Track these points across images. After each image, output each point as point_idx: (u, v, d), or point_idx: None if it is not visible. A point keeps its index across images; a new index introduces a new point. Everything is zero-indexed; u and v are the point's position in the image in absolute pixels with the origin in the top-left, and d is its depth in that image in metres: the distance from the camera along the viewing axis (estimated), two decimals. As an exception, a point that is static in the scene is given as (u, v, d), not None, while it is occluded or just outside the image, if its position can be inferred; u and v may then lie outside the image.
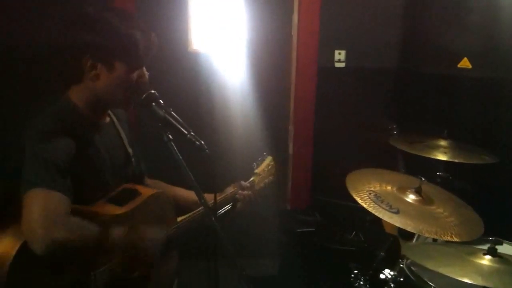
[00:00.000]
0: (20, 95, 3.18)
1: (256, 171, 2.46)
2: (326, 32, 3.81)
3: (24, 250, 1.54)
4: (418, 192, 2.29)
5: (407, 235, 2.76)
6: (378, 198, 2.22)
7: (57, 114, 1.77)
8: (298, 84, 3.92)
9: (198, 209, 2.04)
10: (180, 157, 1.63)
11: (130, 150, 2.03)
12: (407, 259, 2.31)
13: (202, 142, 1.64)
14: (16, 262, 1.54)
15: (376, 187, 2.34)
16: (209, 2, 3.75)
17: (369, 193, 2.26)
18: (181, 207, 2.09)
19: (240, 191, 2.27)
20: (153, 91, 1.74)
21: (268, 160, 2.54)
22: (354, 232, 3.48)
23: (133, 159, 2.04)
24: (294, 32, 3.89)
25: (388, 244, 2.61)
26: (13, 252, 1.54)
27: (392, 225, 2.74)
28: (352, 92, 3.92)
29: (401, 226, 2.07)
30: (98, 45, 1.74)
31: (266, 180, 2.50)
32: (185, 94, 3.62)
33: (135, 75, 1.79)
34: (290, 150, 4.07)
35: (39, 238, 1.51)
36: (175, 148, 1.66)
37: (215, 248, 1.63)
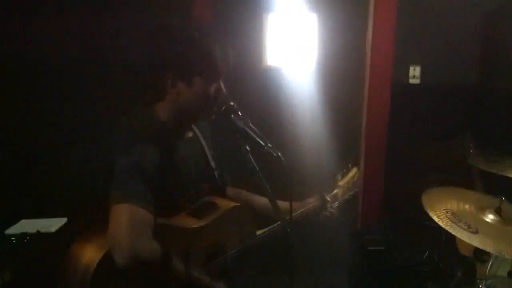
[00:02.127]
0: (108, 109, 3.29)
1: (340, 183, 2.42)
2: (401, 48, 3.75)
3: (107, 261, 1.59)
4: (498, 212, 2.20)
5: (482, 257, 2.66)
6: (456, 217, 2.15)
7: (145, 129, 1.81)
8: (371, 101, 3.88)
9: (278, 222, 2.03)
10: (258, 169, 1.65)
11: (213, 164, 2.06)
12: (487, 279, 2.23)
13: (279, 154, 1.65)
14: (99, 271, 1.60)
15: (453, 206, 2.27)
16: (284, 18, 3.78)
17: (446, 212, 2.19)
18: (263, 216, 2.09)
19: (324, 205, 2.24)
20: (232, 103, 1.77)
21: (353, 172, 2.48)
22: (427, 253, 3.40)
23: (216, 172, 2.07)
24: (368, 48, 3.86)
25: (466, 265, 2.52)
26: (97, 261, 1.60)
27: (467, 247, 2.66)
28: (427, 109, 3.84)
29: (480, 247, 1.99)
30: (178, 61, 1.79)
31: (351, 193, 2.45)
32: (260, 109, 3.65)
33: (213, 88, 1.82)
34: (361, 168, 4.01)
35: (123, 250, 1.57)
36: (253, 160, 1.67)
37: (291, 263, 1.62)
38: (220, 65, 1.81)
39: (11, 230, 2.63)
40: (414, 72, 3.78)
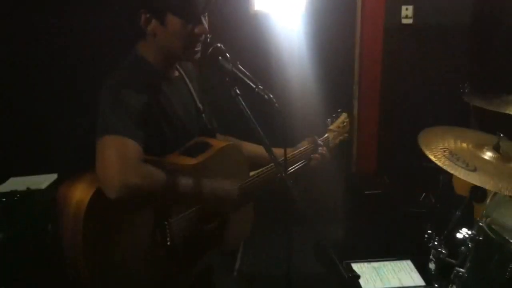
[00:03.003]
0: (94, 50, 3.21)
1: (331, 127, 2.39)
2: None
3: (98, 196, 1.55)
4: (496, 149, 2.16)
5: (479, 197, 2.65)
6: (454, 156, 2.11)
7: (131, 67, 1.78)
8: (363, 42, 3.81)
9: (270, 164, 1.99)
10: (249, 112, 1.59)
11: (200, 104, 2.01)
12: (487, 217, 2.21)
13: (271, 96, 1.58)
14: (91, 208, 1.55)
15: (450, 144, 2.23)
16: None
17: (444, 151, 2.15)
18: (253, 163, 2.06)
19: (316, 148, 2.21)
20: (219, 45, 1.69)
21: (343, 116, 2.46)
22: (424, 194, 3.39)
23: (203, 114, 2.02)
24: (359, -12, 3.76)
25: (463, 205, 2.50)
26: (87, 199, 1.55)
27: (464, 186, 2.64)
28: (421, 49, 3.77)
29: (479, 184, 1.96)
30: None
31: (341, 137, 2.43)
32: (248, 54, 3.56)
33: (191, 28, 1.74)
34: (355, 111, 3.97)
35: (112, 182, 1.52)
36: (243, 103, 1.61)
37: (288, 208, 1.58)
38: (197, 4, 1.72)
39: (1, 189, 2.58)
40: (407, 12, 3.68)
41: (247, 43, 3.59)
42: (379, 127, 3.92)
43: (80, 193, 1.58)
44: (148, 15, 1.73)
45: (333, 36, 3.84)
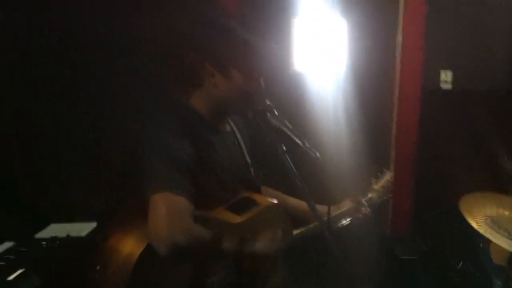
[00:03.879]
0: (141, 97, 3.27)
1: (375, 187, 2.36)
2: (432, 52, 3.69)
3: (148, 252, 1.57)
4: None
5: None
6: (496, 224, 2.09)
7: (181, 119, 1.81)
8: (401, 106, 3.82)
9: (314, 223, 2.00)
10: (294, 169, 1.62)
11: (248, 159, 2.04)
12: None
13: (318, 154, 1.61)
14: (140, 263, 1.58)
15: (492, 211, 2.20)
16: (312, 23, 3.74)
17: (486, 218, 2.13)
18: (297, 217, 2.06)
19: (359, 208, 2.20)
20: (269, 103, 1.74)
21: (388, 176, 2.43)
22: (461, 262, 3.32)
23: (251, 169, 2.04)
24: (398, 52, 3.81)
25: (505, 274, 2.45)
26: (138, 253, 1.58)
27: (501, 255, 2.58)
28: (460, 115, 3.76)
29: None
30: (217, 52, 1.76)
31: (385, 197, 2.39)
32: (287, 113, 3.62)
33: (252, 85, 1.79)
34: (391, 173, 3.93)
35: (162, 240, 1.56)
36: (289, 160, 1.64)
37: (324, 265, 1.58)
38: (262, 64, 1.79)
39: (41, 234, 2.62)
40: (446, 77, 3.71)
41: (285, 101, 3.64)
42: (415, 190, 3.88)
43: (131, 245, 1.61)
44: (212, 69, 1.78)
45: (371, 98, 3.87)
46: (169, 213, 1.58)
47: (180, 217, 1.60)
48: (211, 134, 1.88)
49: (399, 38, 3.78)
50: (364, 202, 2.24)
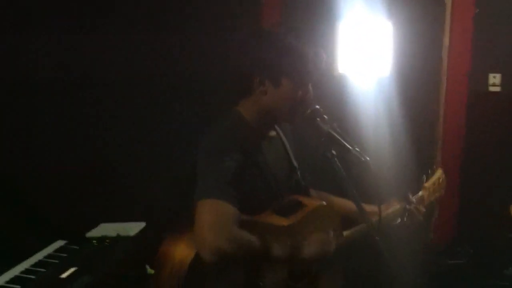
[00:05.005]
0: (192, 108, 3.35)
1: (426, 184, 2.32)
2: (480, 55, 3.65)
3: (199, 258, 1.61)
4: None
5: None
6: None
7: (230, 128, 1.83)
8: (447, 109, 3.79)
9: (362, 225, 1.99)
10: (344, 173, 1.62)
11: (295, 163, 2.05)
12: None
13: (368, 158, 1.61)
14: (193, 269, 1.61)
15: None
16: (357, 26, 3.73)
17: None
18: (346, 218, 2.05)
19: (413, 205, 2.18)
20: (317, 107, 1.75)
21: (439, 173, 2.40)
22: (510, 267, 3.26)
23: (298, 172, 2.05)
24: (445, 55, 3.77)
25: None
26: (190, 259, 1.61)
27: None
28: (508, 117, 3.70)
29: None
30: (268, 62, 1.78)
31: (437, 194, 2.36)
32: (330, 115, 3.61)
33: (300, 91, 1.80)
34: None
35: (207, 246, 1.57)
36: (339, 164, 1.65)
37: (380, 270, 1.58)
38: (311, 69, 1.80)
39: (92, 233, 2.69)
40: (495, 80, 3.65)
41: (331, 105, 3.64)
42: (461, 194, 3.83)
43: (183, 251, 1.65)
44: (262, 78, 1.79)
45: (417, 99, 3.85)
46: (213, 219, 1.60)
47: (225, 223, 1.61)
48: (259, 140, 1.90)
49: (446, 40, 3.74)
50: (414, 200, 2.20)
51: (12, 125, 3.23)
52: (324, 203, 2.00)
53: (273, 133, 2.00)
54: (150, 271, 2.52)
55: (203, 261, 1.59)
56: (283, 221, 1.84)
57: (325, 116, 1.74)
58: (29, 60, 3.21)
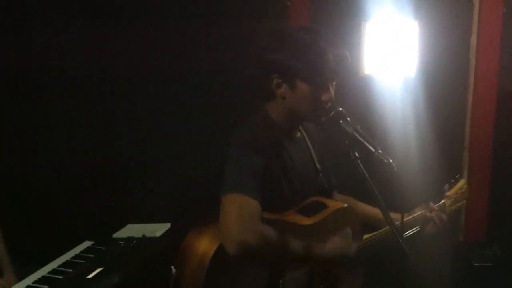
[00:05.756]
0: (226, 108, 3.38)
1: (448, 193, 2.34)
2: (508, 54, 3.58)
3: (221, 251, 1.62)
4: None
5: None
6: None
7: (258, 126, 1.88)
8: (475, 108, 3.74)
9: (385, 228, 1.99)
10: (367, 175, 1.62)
11: (318, 165, 2.06)
12: None
13: (391, 160, 1.61)
14: (214, 262, 1.63)
15: None
16: (383, 26, 3.70)
17: None
18: (368, 224, 2.06)
19: (434, 212, 2.17)
20: (340, 109, 1.75)
21: (462, 183, 2.42)
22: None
23: (321, 174, 2.06)
24: (472, 55, 3.72)
25: None
26: (212, 252, 1.63)
27: None
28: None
29: None
30: (281, 64, 1.79)
31: (459, 204, 2.37)
32: (357, 118, 3.59)
33: (319, 94, 1.81)
34: (464, 177, 3.84)
35: (232, 239, 1.60)
36: (362, 166, 1.65)
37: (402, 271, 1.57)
38: (328, 71, 1.80)
39: (119, 234, 2.73)
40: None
41: (356, 105, 3.62)
42: (490, 194, 3.77)
43: (205, 245, 1.67)
44: (279, 80, 1.81)
45: (444, 100, 3.79)
46: (239, 212, 1.63)
47: (251, 217, 1.64)
48: (285, 140, 1.92)
49: (474, 40, 3.69)
50: (436, 208, 2.20)
51: (33, 125, 3.29)
52: (346, 204, 2.02)
53: (298, 134, 2.02)
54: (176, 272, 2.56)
55: (225, 256, 1.61)
56: (305, 221, 1.87)
57: (348, 118, 1.73)
58: (46, 57, 3.25)
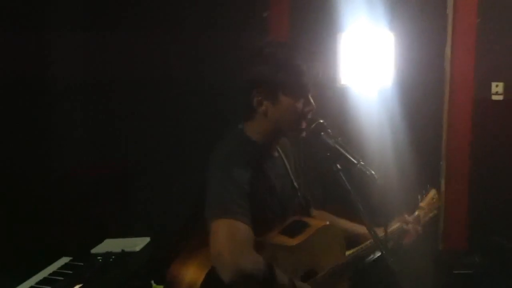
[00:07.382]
0: (202, 128, 3.37)
1: (421, 204, 2.35)
2: (482, 63, 3.64)
3: (209, 279, 1.59)
4: None
5: None
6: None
7: (237, 145, 1.84)
8: (451, 118, 3.79)
9: (366, 242, 1.99)
10: (349, 188, 1.62)
11: (296, 184, 2.04)
12: None
13: (373, 172, 1.61)
14: None
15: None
16: (359, 37, 3.73)
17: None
18: (347, 239, 2.06)
19: (410, 225, 2.18)
20: (321, 121, 1.75)
21: (432, 193, 2.43)
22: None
23: (299, 192, 2.05)
24: (447, 65, 3.77)
25: None
26: (200, 281, 1.60)
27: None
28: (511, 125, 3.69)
29: None
30: (263, 80, 1.78)
31: (431, 214, 2.39)
32: (334, 128, 3.60)
33: (301, 104, 1.80)
34: (442, 187, 3.88)
35: (228, 267, 1.57)
36: (344, 179, 1.64)
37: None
38: (305, 81, 1.79)
39: (97, 249, 2.68)
40: (497, 88, 3.65)
41: (333, 117, 3.63)
42: (469, 203, 3.81)
43: (192, 274, 1.64)
44: (260, 98, 1.80)
45: (420, 110, 3.83)
46: (233, 238, 1.60)
47: (245, 243, 1.62)
48: (264, 160, 1.90)
49: (448, 50, 3.74)
50: (411, 220, 2.22)
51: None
52: (328, 222, 2.01)
53: (276, 153, 2.00)
54: (156, 286, 2.52)
55: (214, 283, 1.58)
56: (290, 241, 1.85)
57: (329, 130, 1.73)
58: (48, 62, 3.26)
